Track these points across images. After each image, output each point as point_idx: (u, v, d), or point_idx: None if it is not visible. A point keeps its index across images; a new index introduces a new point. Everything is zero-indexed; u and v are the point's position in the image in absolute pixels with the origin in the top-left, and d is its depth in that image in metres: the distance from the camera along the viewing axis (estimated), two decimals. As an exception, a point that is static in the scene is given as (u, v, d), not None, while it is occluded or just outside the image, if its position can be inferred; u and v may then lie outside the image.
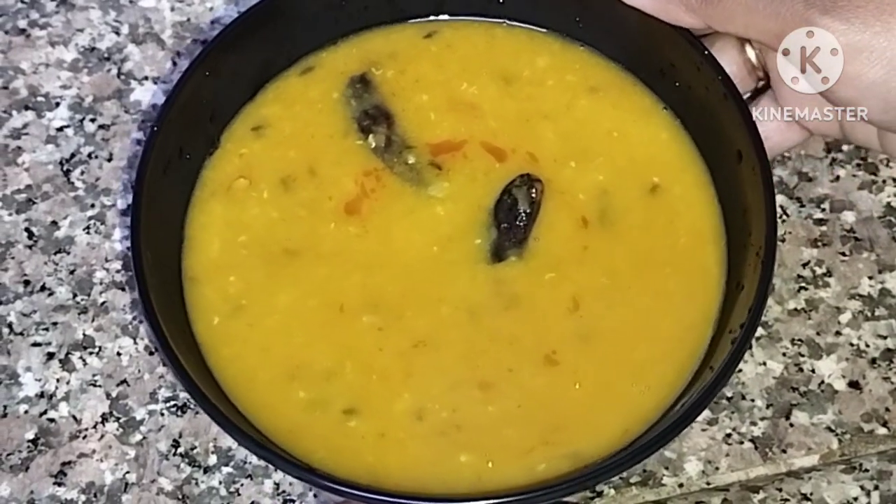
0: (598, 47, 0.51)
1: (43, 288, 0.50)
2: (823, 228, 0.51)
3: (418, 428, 0.43)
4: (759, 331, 0.48)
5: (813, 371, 0.48)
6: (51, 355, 0.49)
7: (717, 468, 0.46)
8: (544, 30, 0.52)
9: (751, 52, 0.48)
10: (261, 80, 0.50)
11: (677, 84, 0.49)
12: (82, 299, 0.50)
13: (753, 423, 0.47)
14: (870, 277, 0.50)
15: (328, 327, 0.45)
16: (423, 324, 0.45)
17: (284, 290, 0.46)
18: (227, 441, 0.47)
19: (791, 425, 0.47)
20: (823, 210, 0.51)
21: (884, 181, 0.52)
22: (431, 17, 0.52)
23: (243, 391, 0.44)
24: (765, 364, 0.48)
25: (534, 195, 0.47)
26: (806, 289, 0.50)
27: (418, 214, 0.48)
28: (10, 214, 0.52)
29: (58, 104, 0.55)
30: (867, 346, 0.48)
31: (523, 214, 0.47)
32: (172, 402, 0.48)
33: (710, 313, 0.45)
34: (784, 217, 0.51)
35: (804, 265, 0.50)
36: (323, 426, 0.43)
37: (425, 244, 0.47)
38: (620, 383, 0.44)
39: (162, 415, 0.47)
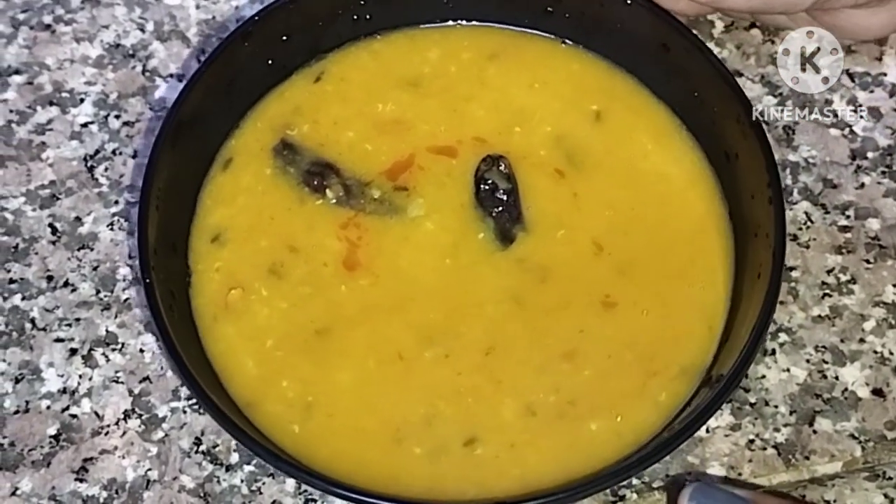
0: (475, 18, 0.52)
1: (66, 284, 0.50)
2: (848, 235, 0.51)
3: (537, 423, 0.44)
4: (783, 337, 0.48)
5: (836, 378, 0.48)
6: (73, 351, 0.49)
7: (739, 474, 0.46)
8: (418, 26, 0.52)
9: None
10: (195, 192, 0.49)
11: (567, 15, 0.51)
12: (105, 295, 0.50)
13: (777, 430, 0.47)
14: (894, 285, 0.50)
15: (400, 379, 0.45)
16: (481, 331, 0.45)
17: (339, 368, 0.45)
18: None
19: (814, 432, 0.47)
20: (848, 217, 0.51)
21: (909, 189, 0.52)
22: (312, 62, 0.52)
23: (364, 476, 0.42)
24: (788, 371, 0.48)
25: (505, 170, 0.48)
26: (830, 296, 0.49)
27: (413, 239, 0.48)
28: (34, 210, 0.52)
29: (82, 100, 0.55)
30: (891, 353, 0.48)
31: (506, 192, 0.48)
32: (194, 400, 0.48)
33: (713, 190, 0.48)
34: (809, 223, 0.51)
35: (829, 272, 0.50)
36: (457, 467, 0.43)
37: (436, 261, 0.47)
38: (679, 292, 0.46)
39: (184, 412, 0.47)
